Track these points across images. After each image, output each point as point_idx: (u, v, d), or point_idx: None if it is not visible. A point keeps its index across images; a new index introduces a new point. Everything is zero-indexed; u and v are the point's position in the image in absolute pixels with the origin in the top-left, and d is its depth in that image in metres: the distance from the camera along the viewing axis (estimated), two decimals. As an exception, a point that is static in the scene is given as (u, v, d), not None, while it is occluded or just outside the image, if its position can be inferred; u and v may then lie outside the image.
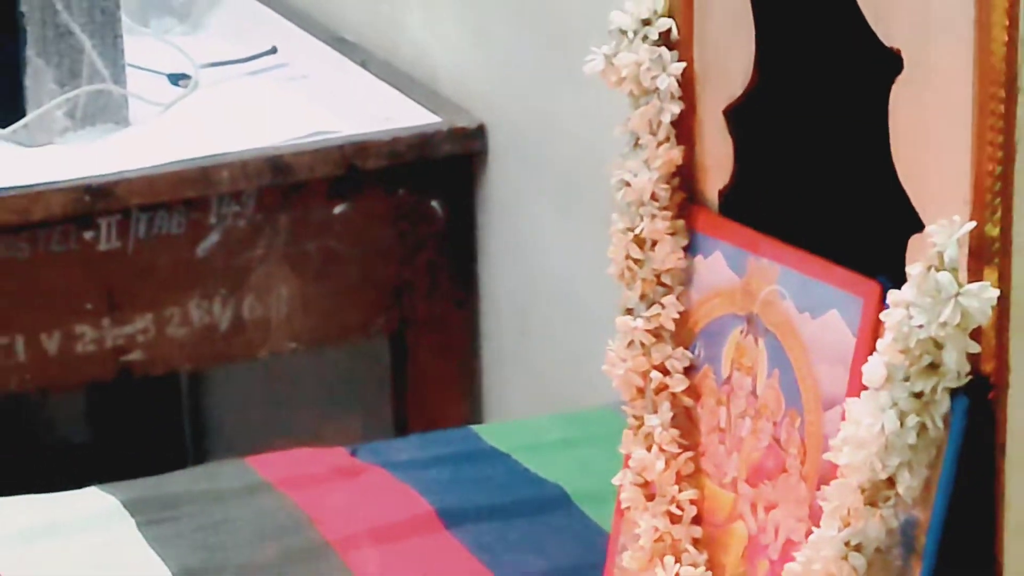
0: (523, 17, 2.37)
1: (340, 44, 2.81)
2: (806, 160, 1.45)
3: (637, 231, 1.50)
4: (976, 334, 1.24)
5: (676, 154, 1.49)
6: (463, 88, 2.60)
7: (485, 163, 2.56)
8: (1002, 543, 1.27)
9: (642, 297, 1.52)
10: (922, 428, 1.25)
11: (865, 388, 1.28)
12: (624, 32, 1.52)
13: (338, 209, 2.65)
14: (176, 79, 2.68)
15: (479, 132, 2.57)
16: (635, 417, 1.53)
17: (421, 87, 2.67)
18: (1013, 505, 1.26)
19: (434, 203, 2.63)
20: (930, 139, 1.28)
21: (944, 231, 1.23)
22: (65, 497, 1.90)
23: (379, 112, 2.63)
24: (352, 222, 2.66)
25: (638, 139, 1.52)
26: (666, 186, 1.50)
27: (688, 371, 1.52)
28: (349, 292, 2.70)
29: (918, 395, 1.24)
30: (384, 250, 2.72)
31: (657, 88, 1.48)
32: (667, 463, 1.50)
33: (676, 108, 1.49)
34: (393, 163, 2.56)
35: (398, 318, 2.74)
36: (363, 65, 2.75)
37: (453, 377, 2.65)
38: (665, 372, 1.51)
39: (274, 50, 2.80)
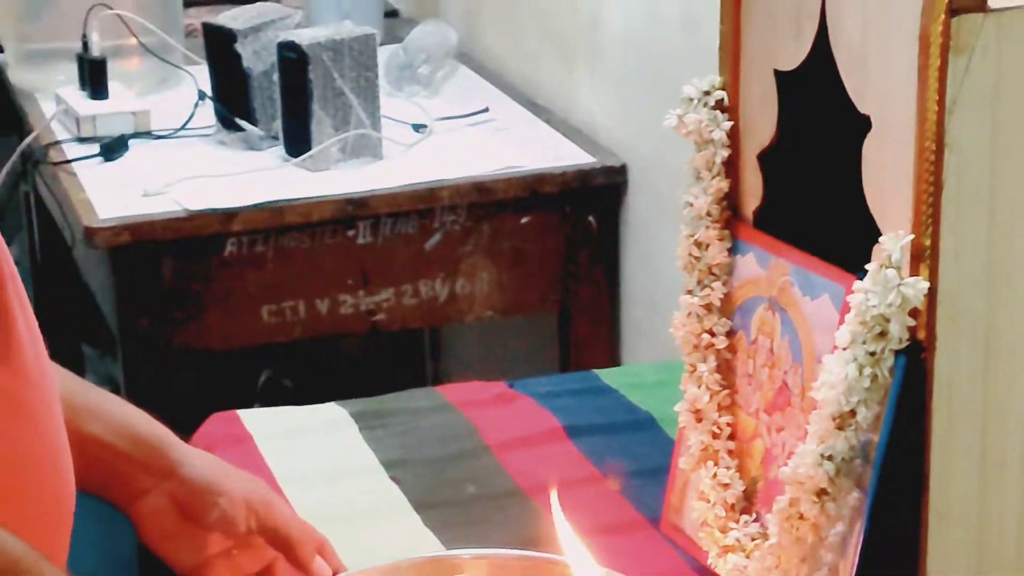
0: (657, 87, 2.36)
1: (532, 106, 2.78)
2: (810, 191, 1.45)
3: (696, 237, 1.52)
4: (913, 313, 1.24)
5: (724, 185, 1.50)
6: (614, 138, 2.59)
7: (627, 191, 2.55)
8: (929, 456, 1.27)
9: (698, 282, 1.52)
10: (874, 377, 1.25)
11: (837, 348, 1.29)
12: (691, 99, 1.52)
13: (523, 220, 2.63)
14: (417, 127, 2.69)
15: (623, 169, 2.56)
16: (690, 365, 1.54)
17: (584, 136, 2.66)
18: (937, 430, 1.26)
19: (590, 218, 2.61)
20: (886, 177, 1.29)
21: (892, 241, 1.25)
22: (315, 408, 1.91)
23: (554, 153, 2.62)
24: (533, 229, 2.63)
25: (699, 173, 1.52)
26: (717, 206, 1.51)
27: (728, 334, 1.52)
28: (529, 279, 2.69)
29: (872, 354, 1.25)
30: (555, 250, 2.69)
31: (712, 139, 1.49)
32: (711, 397, 1.51)
33: (725, 153, 1.49)
34: (562, 189, 2.56)
35: (563, 299, 2.73)
36: (546, 121, 2.74)
37: (600, 342, 2.65)
38: (712, 334, 1.52)
39: (486, 109, 2.79)
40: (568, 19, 2.71)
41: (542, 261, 2.68)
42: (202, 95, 2.70)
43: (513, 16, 2.94)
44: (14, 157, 2.78)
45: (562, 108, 2.81)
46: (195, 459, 1.47)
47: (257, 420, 1.90)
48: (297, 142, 2.58)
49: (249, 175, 2.56)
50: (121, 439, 1.43)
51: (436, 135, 2.73)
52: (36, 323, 1.28)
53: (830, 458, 1.28)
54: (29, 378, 1.23)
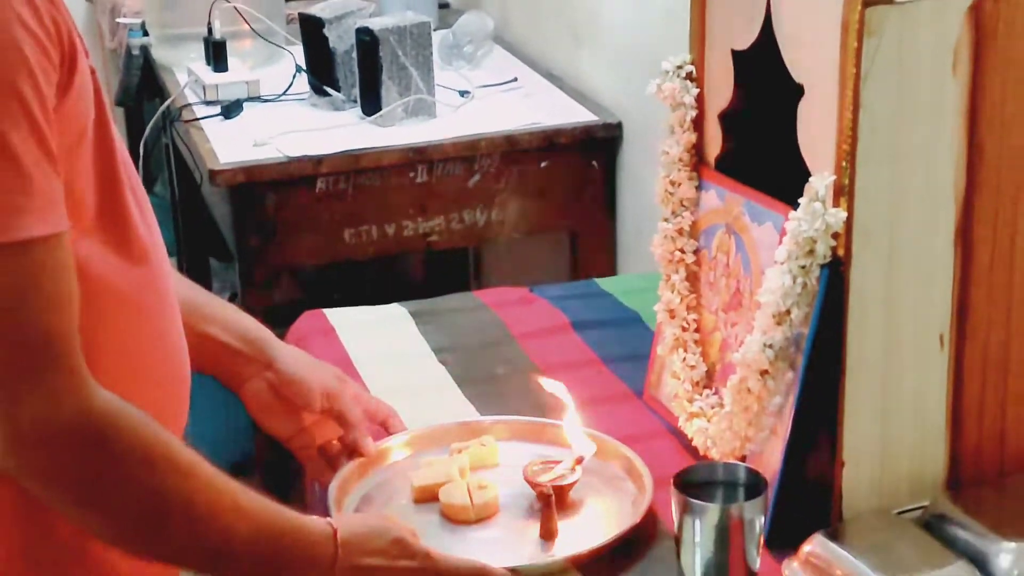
0: (644, 62, 2.35)
1: (549, 76, 2.78)
2: (759, 143, 1.44)
3: (671, 177, 1.52)
4: (834, 236, 1.25)
5: (692, 137, 1.49)
6: (613, 101, 2.57)
7: (622, 143, 2.53)
8: (846, 342, 1.28)
9: (672, 212, 1.52)
10: (804, 285, 1.27)
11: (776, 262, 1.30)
12: (667, 72, 1.51)
13: (543, 164, 2.60)
14: (462, 93, 2.67)
15: (619, 126, 2.54)
16: (666, 275, 1.53)
17: (589, 100, 2.64)
18: (851, 323, 1.27)
19: (594, 163, 2.60)
20: (815, 132, 1.31)
21: (819, 180, 1.27)
22: (382, 308, 1.92)
23: (567, 113, 2.60)
24: (550, 171, 2.61)
25: (673, 129, 1.51)
26: (687, 154, 1.50)
27: (695, 252, 1.52)
28: (547, 209, 2.67)
29: (803, 267, 1.27)
30: (566, 187, 2.67)
31: (683, 102, 1.49)
32: (681, 300, 1.51)
33: (693, 113, 1.48)
34: (572, 140, 2.56)
35: (572, 224, 2.73)
36: (560, 88, 2.71)
37: (600, 258, 2.64)
38: (682, 252, 1.51)
39: (515, 79, 2.77)
40: (578, 9, 2.70)
41: (557, 195, 2.66)
42: (299, 68, 2.71)
43: (536, 7, 2.93)
44: (156, 116, 2.79)
45: (573, 78, 2.80)
46: (287, 355, 1.50)
47: (338, 316, 1.91)
48: (370, 104, 2.58)
49: (334, 130, 2.57)
50: (234, 338, 1.46)
51: (477, 100, 2.73)
52: (159, 230, 1.28)
53: (771, 346, 1.30)
54: (147, 273, 1.23)
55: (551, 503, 1.35)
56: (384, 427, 1.53)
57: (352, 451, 1.49)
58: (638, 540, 1.37)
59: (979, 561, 1.23)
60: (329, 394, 1.49)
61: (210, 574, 1.23)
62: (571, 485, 1.39)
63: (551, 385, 1.53)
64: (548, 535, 1.34)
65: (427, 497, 1.41)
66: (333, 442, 1.52)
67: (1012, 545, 1.23)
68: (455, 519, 1.38)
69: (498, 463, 1.47)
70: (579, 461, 1.39)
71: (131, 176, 1.22)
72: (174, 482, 1.12)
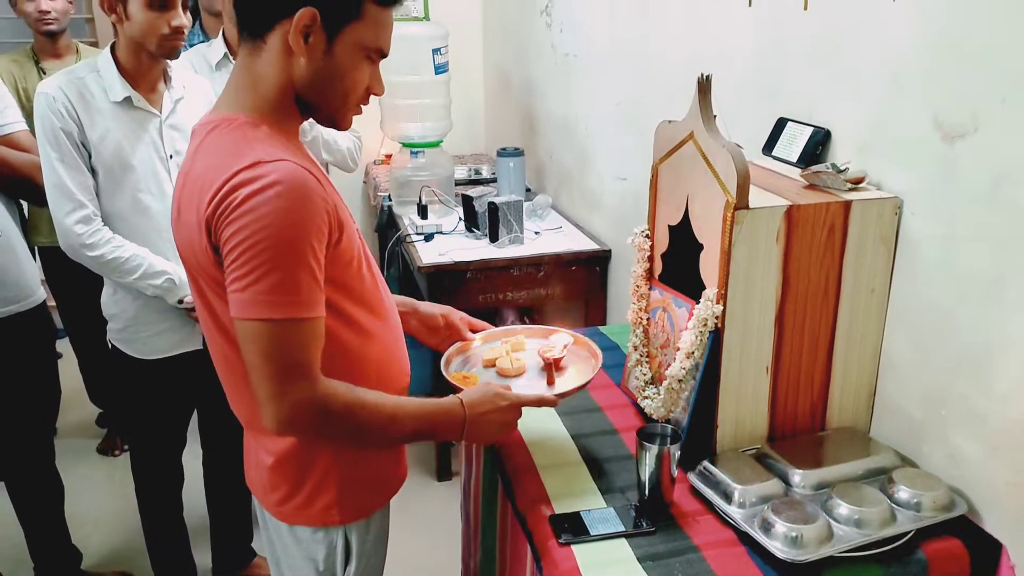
0: (628, 221, 2.21)
1: (577, 225, 2.73)
2: (681, 269, 1.35)
3: (636, 283, 1.45)
4: (717, 317, 1.21)
5: (647, 265, 1.43)
6: (608, 238, 2.53)
7: (611, 261, 2.50)
8: (720, 370, 1.23)
9: (637, 299, 1.45)
10: (702, 339, 1.23)
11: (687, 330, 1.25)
12: (636, 232, 1.44)
13: (572, 268, 2.48)
14: (536, 233, 2.60)
15: (609, 253, 2.48)
16: (633, 329, 1.46)
17: (597, 239, 2.59)
18: (725, 359, 1.22)
19: (597, 268, 2.49)
20: (708, 267, 1.25)
21: (710, 291, 1.22)
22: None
23: (585, 244, 2.55)
24: (576, 272, 2.48)
25: (638, 260, 1.44)
26: (643, 273, 1.44)
27: (647, 319, 1.44)
28: (574, 289, 2.51)
29: (701, 331, 1.23)
30: (584, 280, 2.48)
31: (644, 248, 1.43)
32: (641, 342, 1.45)
33: (647, 253, 1.42)
34: (587, 257, 2.49)
35: (587, 297, 2.51)
36: (582, 231, 2.63)
37: (599, 316, 2.53)
38: (641, 319, 1.44)
39: (560, 227, 2.70)
40: (592, 194, 2.63)
41: (578, 283, 2.50)
42: (460, 219, 2.66)
43: (570, 192, 2.86)
44: (393, 239, 2.75)
45: (588, 226, 2.68)
46: (423, 304, 1.40)
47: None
48: (493, 237, 2.51)
49: (476, 249, 2.47)
50: (401, 306, 1.35)
51: (542, 237, 2.60)
52: (391, 296, 1.23)
53: (684, 368, 1.26)
54: (388, 321, 1.17)
55: (551, 366, 1.34)
56: (473, 330, 1.43)
57: (459, 339, 1.42)
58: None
59: (784, 479, 1.19)
60: (445, 317, 1.41)
61: (402, 444, 1.21)
62: (561, 358, 1.36)
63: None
64: (550, 382, 1.32)
65: (489, 364, 1.37)
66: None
67: (800, 471, 1.19)
68: (504, 375, 1.34)
69: (525, 349, 1.43)
70: (565, 346, 1.39)
71: (377, 273, 1.18)
72: (364, 414, 1.04)
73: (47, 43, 2.44)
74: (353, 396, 1.04)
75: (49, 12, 2.38)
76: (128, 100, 1.65)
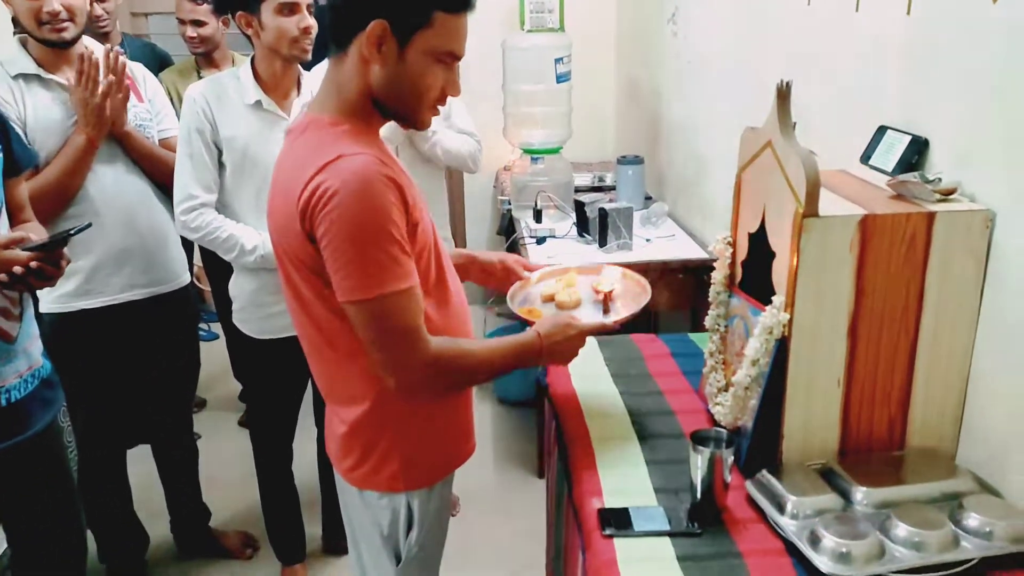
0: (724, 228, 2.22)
1: (691, 234, 2.70)
2: (757, 277, 1.31)
3: (716, 290, 1.44)
4: (784, 326, 1.19)
5: (727, 272, 1.43)
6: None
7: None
8: (787, 381, 1.21)
9: (715, 305, 1.44)
10: (768, 347, 1.21)
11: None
12: (719, 239, 1.44)
13: (680, 276, 2.46)
14: (647, 240, 2.60)
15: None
16: (710, 336, 1.45)
17: (707, 247, 2.52)
18: (791, 369, 1.20)
19: (705, 277, 2.43)
20: (779, 274, 1.23)
21: (777, 299, 1.21)
22: None
23: (695, 252, 2.53)
24: (684, 279, 2.45)
25: (720, 267, 1.43)
26: (723, 280, 1.43)
27: (725, 327, 1.43)
28: (681, 296, 2.48)
29: (767, 339, 1.21)
30: (689, 288, 2.43)
31: (726, 254, 1.42)
32: (717, 348, 1.44)
33: (728, 260, 1.42)
34: (695, 266, 2.45)
35: (694, 305, 2.47)
36: (694, 240, 2.60)
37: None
38: (719, 326, 1.43)
39: (674, 235, 2.68)
40: (706, 202, 2.59)
41: (684, 293, 2.47)
42: (574, 224, 2.68)
43: (688, 201, 2.82)
44: (510, 240, 2.82)
45: (700, 235, 2.63)
46: (481, 253, 1.51)
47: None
48: (603, 242, 2.52)
49: (586, 253, 2.49)
50: (461, 260, 1.46)
51: (653, 244, 2.58)
52: (459, 283, 1.33)
53: (750, 376, 1.25)
54: (453, 294, 1.25)
55: (606, 298, 1.47)
56: (529, 270, 1.53)
57: (516, 279, 1.51)
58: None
59: (845, 495, 1.15)
60: (502, 261, 1.50)
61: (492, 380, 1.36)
62: (611, 291, 1.48)
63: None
64: (606, 312, 1.45)
65: (548, 299, 1.49)
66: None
67: (862, 488, 1.14)
68: (563, 308, 1.46)
69: (576, 284, 1.53)
70: (614, 282, 1.51)
71: (448, 266, 1.26)
72: (468, 360, 1.17)
73: (204, 58, 2.78)
74: (457, 347, 1.16)
75: (195, 37, 2.71)
76: (259, 103, 1.82)
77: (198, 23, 2.68)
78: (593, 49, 3.60)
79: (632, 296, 1.47)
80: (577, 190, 3.05)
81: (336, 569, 2.28)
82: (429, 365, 1.11)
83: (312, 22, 1.79)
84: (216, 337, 3.68)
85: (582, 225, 2.63)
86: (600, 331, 1.32)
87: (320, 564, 2.30)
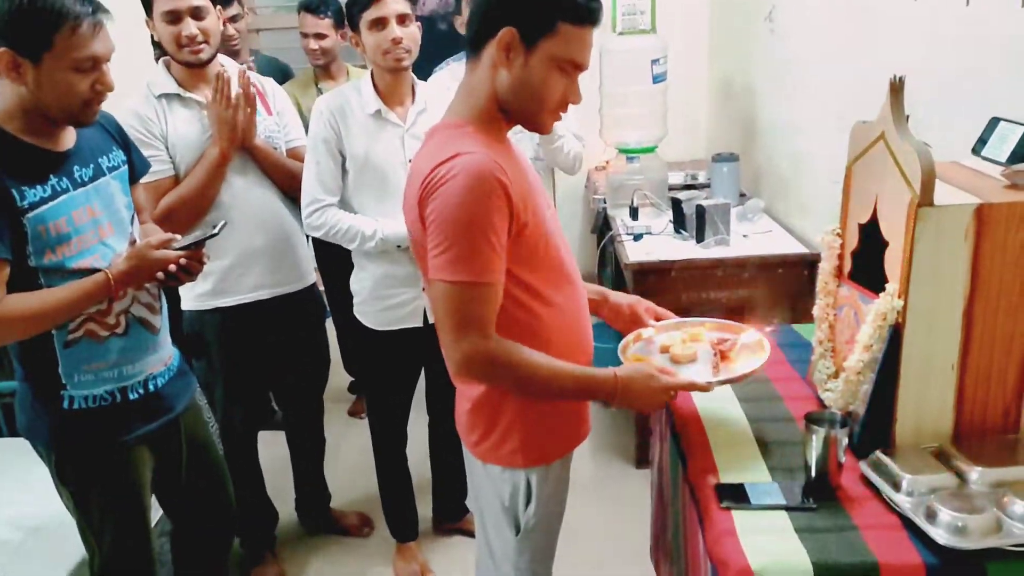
0: (830, 222, 2.21)
1: (789, 230, 2.68)
2: (868, 266, 1.34)
3: (825, 279, 1.47)
4: (897, 313, 1.22)
5: (836, 261, 1.45)
6: (814, 243, 2.47)
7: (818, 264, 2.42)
8: (900, 367, 1.24)
9: (824, 295, 1.47)
10: (881, 333, 1.24)
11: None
12: (829, 231, 1.47)
13: (779, 271, 2.46)
14: (744, 235, 2.59)
15: (817, 256, 2.41)
16: (820, 325, 1.48)
17: (809, 243, 2.52)
18: (904, 354, 1.23)
19: (806, 273, 2.44)
20: (891, 263, 1.26)
21: (891, 286, 1.24)
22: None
23: (795, 247, 2.51)
24: (782, 275, 2.45)
25: (827, 258, 1.46)
26: (832, 271, 1.46)
27: (834, 315, 1.45)
28: (779, 294, 2.47)
29: (880, 325, 1.24)
30: (792, 281, 2.43)
31: (833, 246, 1.46)
32: (826, 336, 1.46)
33: (836, 252, 1.45)
34: (795, 262, 2.44)
35: (791, 303, 2.43)
36: (792, 235, 2.58)
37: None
38: (828, 315, 1.46)
39: (771, 231, 2.66)
40: (804, 196, 2.58)
41: (782, 288, 2.46)
42: (670, 221, 2.70)
43: (785, 199, 2.80)
44: (606, 238, 2.83)
45: (800, 232, 2.61)
46: (613, 294, 1.50)
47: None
48: (700, 238, 2.54)
49: (682, 249, 2.52)
50: (594, 294, 1.48)
51: (749, 239, 2.58)
52: (577, 271, 1.35)
53: (863, 362, 1.28)
54: (573, 284, 1.32)
55: (718, 355, 1.39)
56: (657, 318, 1.50)
57: (641, 327, 1.49)
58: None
59: (960, 475, 1.18)
60: (631, 306, 1.49)
61: (556, 400, 1.29)
62: (731, 348, 1.41)
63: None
64: (716, 369, 1.36)
65: (665, 350, 1.43)
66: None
67: (978, 468, 1.17)
68: (676, 362, 1.39)
69: (702, 340, 1.45)
70: (737, 340, 1.43)
71: (567, 257, 1.32)
72: (526, 370, 1.20)
73: (322, 70, 2.90)
74: (519, 354, 1.18)
75: (316, 50, 2.87)
76: (378, 113, 1.95)
77: (320, 36, 2.84)
78: (686, 49, 3.61)
79: (752, 358, 1.38)
80: (670, 188, 3.09)
81: (445, 547, 2.40)
82: (482, 361, 1.16)
83: (399, 33, 1.87)
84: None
85: (679, 222, 2.67)
86: (690, 389, 1.27)
87: (430, 542, 2.42)
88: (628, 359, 1.39)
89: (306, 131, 2.13)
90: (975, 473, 1.16)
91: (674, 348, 1.42)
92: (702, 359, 1.40)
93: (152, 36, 1.91)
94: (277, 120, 2.07)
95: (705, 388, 1.28)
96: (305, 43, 2.88)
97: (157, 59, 2.01)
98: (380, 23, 1.86)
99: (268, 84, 2.11)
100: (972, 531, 1.04)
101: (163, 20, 1.83)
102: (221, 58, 1.99)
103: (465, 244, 1.12)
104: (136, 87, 1.92)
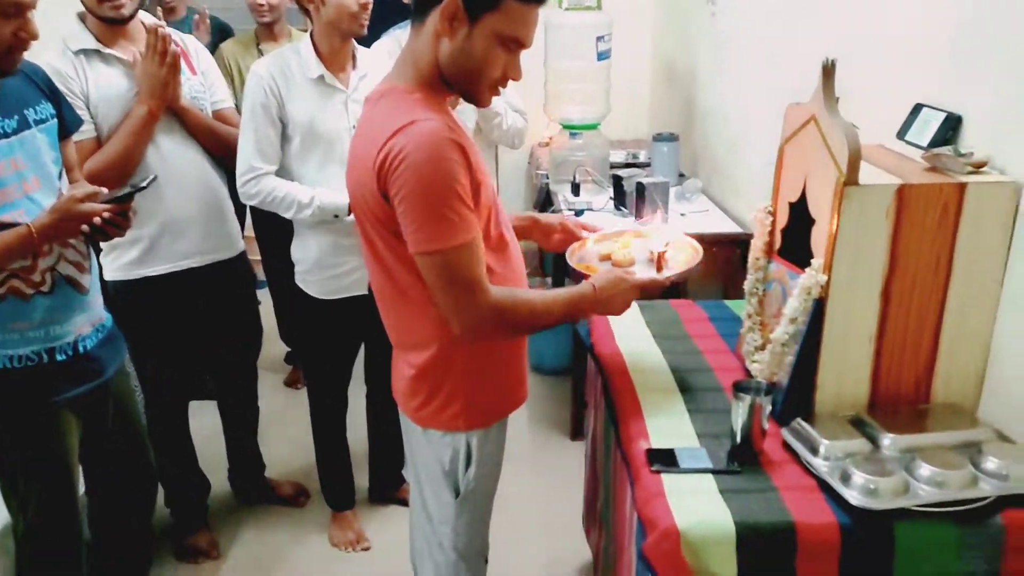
0: (760, 203, 2.27)
1: (724, 210, 2.73)
2: (796, 242, 1.39)
3: (756, 255, 1.52)
4: (821, 287, 1.27)
5: (767, 238, 1.50)
6: (746, 221, 2.53)
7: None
8: (822, 338, 1.29)
9: (754, 271, 1.52)
10: (806, 306, 1.29)
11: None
12: (760, 208, 1.52)
13: (714, 249, 2.52)
14: (682, 214, 2.64)
15: (749, 236, 2.48)
16: (749, 300, 1.53)
17: (741, 221, 2.59)
18: (825, 329, 1.28)
19: (737, 252, 2.50)
20: (818, 239, 1.31)
21: (816, 261, 1.29)
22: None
23: (729, 227, 2.56)
24: (715, 253, 2.54)
25: (759, 234, 1.52)
26: (764, 246, 1.51)
27: (764, 291, 1.51)
28: (712, 270, 2.57)
29: (805, 299, 1.29)
30: (724, 262, 2.48)
31: (764, 223, 1.51)
32: (755, 311, 1.52)
33: (768, 228, 1.51)
34: (728, 240, 2.51)
35: (724, 280, 2.48)
36: (727, 216, 2.66)
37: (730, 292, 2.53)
38: (757, 289, 1.52)
39: (707, 210, 2.71)
40: (738, 180, 2.64)
41: (717, 266, 2.49)
42: (611, 198, 2.73)
43: (721, 178, 2.85)
44: (549, 211, 2.85)
45: (733, 210, 2.68)
46: (542, 215, 1.57)
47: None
48: (639, 215, 2.56)
49: (622, 225, 2.50)
50: (522, 222, 1.54)
51: (687, 218, 2.62)
52: (513, 234, 1.39)
53: (788, 334, 1.34)
54: (509, 249, 1.33)
55: (659, 258, 1.51)
56: (588, 231, 1.59)
57: (575, 240, 1.56)
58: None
59: (873, 441, 1.24)
60: (562, 223, 1.56)
61: (551, 327, 1.32)
62: (664, 251, 1.52)
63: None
64: (659, 270, 1.50)
65: (604, 258, 1.55)
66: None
67: (890, 435, 1.24)
68: (618, 265, 1.50)
69: (631, 246, 1.58)
70: (668, 243, 1.55)
71: (505, 224, 1.36)
72: (527, 308, 1.25)
73: (265, 29, 2.85)
74: (515, 296, 1.24)
75: (263, 5, 2.77)
76: (321, 78, 1.91)
77: None
78: (630, 29, 3.63)
79: (685, 258, 1.51)
80: (612, 166, 3.11)
81: (381, 516, 2.41)
82: (490, 311, 1.20)
83: None
84: (259, 304, 3.78)
85: (619, 198, 2.70)
86: (652, 286, 1.38)
87: (366, 511, 2.43)
88: (577, 267, 1.49)
89: (240, 93, 2.07)
90: (887, 439, 1.23)
91: (615, 254, 1.54)
92: (641, 262, 1.53)
93: None
94: (202, 80, 2.00)
95: (664, 283, 1.42)
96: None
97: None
98: None
99: (191, 42, 2.03)
100: (882, 492, 1.10)
101: None
102: (142, 15, 1.91)
103: (439, 212, 1.14)
104: (50, 42, 1.78)
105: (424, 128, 1.13)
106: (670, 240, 1.55)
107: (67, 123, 1.55)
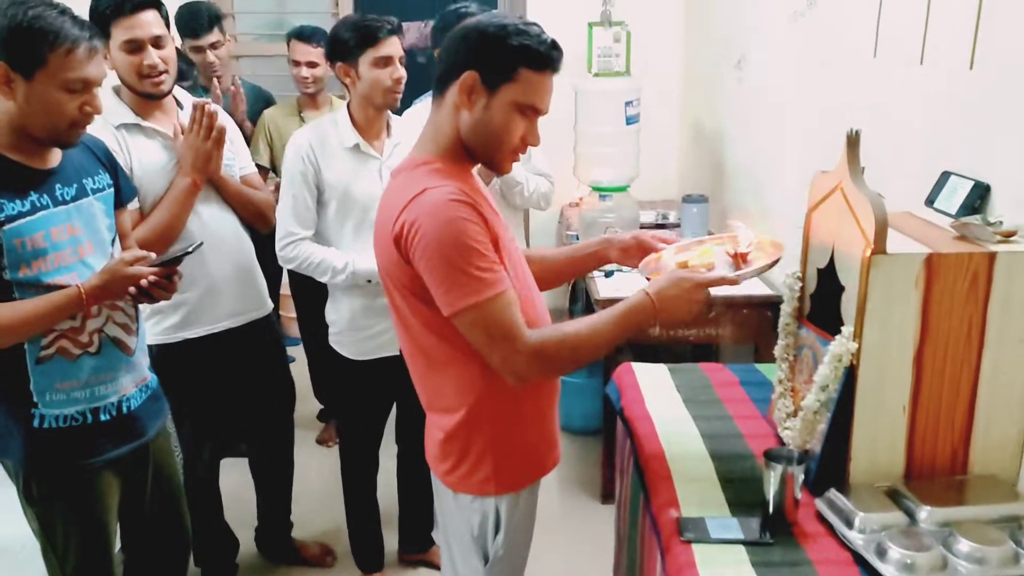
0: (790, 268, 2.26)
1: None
2: (826, 309, 1.38)
3: (786, 320, 1.52)
4: (852, 355, 1.27)
5: (796, 305, 1.49)
6: (776, 284, 2.49)
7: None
8: (854, 407, 1.28)
9: (785, 336, 1.52)
10: (837, 373, 1.28)
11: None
12: (789, 274, 1.52)
13: (744, 311, 2.49)
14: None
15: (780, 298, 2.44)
16: (780, 365, 1.52)
17: (774, 284, 2.60)
18: (858, 395, 1.27)
19: (768, 313, 2.42)
20: (847, 307, 1.31)
21: (846, 329, 1.28)
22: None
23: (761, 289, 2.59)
24: (745, 314, 2.51)
25: (789, 299, 1.51)
26: (793, 312, 1.50)
27: (795, 356, 1.50)
28: (746, 331, 2.51)
29: (835, 367, 1.28)
30: (759, 321, 2.46)
31: (794, 289, 1.50)
32: (786, 376, 1.51)
33: (797, 294, 1.50)
34: (758, 302, 2.51)
35: (756, 339, 2.48)
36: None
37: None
38: (787, 354, 1.51)
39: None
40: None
41: (748, 328, 2.51)
42: None
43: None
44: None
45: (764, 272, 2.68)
46: (614, 237, 1.50)
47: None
48: None
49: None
50: (598, 244, 1.51)
51: None
52: (534, 283, 1.37)
53: (819, 401, 1.32)
54: (536, 308, 1.34)
55: (736, 258, 1.40)
56: (666, 243, 1.48)
57: (653, 252, 1.47)
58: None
59: (910, 513, 1.22)
60: (636, 238, 1.48)
61: (607, 347, 1.27)
62: (747, 252, 1.42)
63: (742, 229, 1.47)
64: (737, 268, 1.39)
65: (682, 266, 1.40)
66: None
67: (927, 507, 1.22)
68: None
69: (713, 254, 1.44)
70: (751, 243, 1.43)
71: (526, 270, 1.37)
72: (572, 340, 1.22)
73: (307, 98, 2.93)
74: (558, 332, 1.23)
75: (308, 78, 2.90)
76: (356, 146, 2.00)
77: (312, 64, 2.87)
78: (658, 92, 3.68)
79: (766, 257, 1.39)
80: (642, 227, 3.12)
81: (410, 579, 2.39)
82: (532, 353, 1.20)
83: (403, 73, 1.95)
84: (293, 360, 3.82)
85: (649, 260, 2.69)
86: (720, 283, 1.28)
87: (395, 573, 2.39)
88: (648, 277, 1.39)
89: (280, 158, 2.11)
90: (924, 512, 1.21)
91: (691, 261, 1.41)
92: (721, 267, 1.41)
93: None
94: (230, 148, 2.06)
95: (734, 281, 1.30)
96: (296, 71, 2.90)
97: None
98: (386, 62, 1.92)
99: (220, 115, 2.06)
100: (920, 568, 1.08)
101: (122, 49, 1.79)
102: (177, 91, 1.98)
103: (461, 270, 1.16)
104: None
105: (435, 195, 1.18)
106: (753, 241, 1.43)
107: (123, 193, 1.62)
